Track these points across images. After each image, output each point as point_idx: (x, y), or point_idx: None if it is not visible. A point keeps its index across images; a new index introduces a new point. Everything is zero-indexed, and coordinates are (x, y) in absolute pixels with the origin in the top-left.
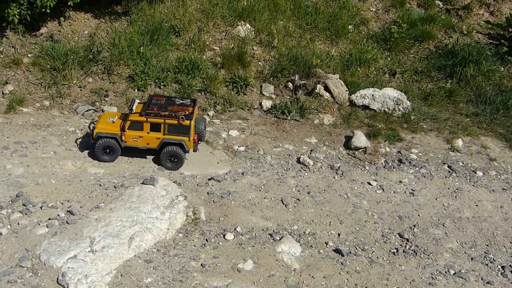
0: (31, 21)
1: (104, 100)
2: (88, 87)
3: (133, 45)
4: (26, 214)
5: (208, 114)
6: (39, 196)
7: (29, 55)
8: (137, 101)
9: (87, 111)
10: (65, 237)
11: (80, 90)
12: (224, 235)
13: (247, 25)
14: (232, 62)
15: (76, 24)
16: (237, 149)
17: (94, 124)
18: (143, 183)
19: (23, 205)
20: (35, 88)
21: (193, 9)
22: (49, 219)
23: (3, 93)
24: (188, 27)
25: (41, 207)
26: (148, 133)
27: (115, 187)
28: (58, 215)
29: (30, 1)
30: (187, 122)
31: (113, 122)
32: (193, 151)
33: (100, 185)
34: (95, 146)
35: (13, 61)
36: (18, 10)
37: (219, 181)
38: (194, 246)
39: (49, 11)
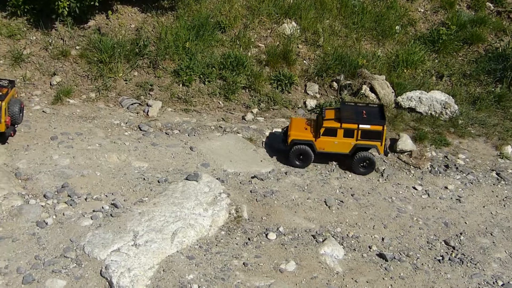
0: (80, 14)
1: (149, 94)
2: (134, 80)
3: (179, 40)
4: (71, 205)
5: (251, 112)
6: (84, 187)
7: (77, 47)
8: None
9: (132, 104)
10: (109, 229)
11: (126, 83)
12: (266, 235)
13: (293, 23)
14: (277, 60)
15: (123, 18)
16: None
17: None
18: (186, 179)
19: (68, 196)
20: (82, 80)
21: (239, 5)
22: (94, 211)
23: (51, 84)
24: (234, 24)
25: (85, 199)
26: None
27: (158, 182)
28: (103, 208)
29: None
30: None
31: None
32: (6, 135)
33: (144, 179)
34: None
35: (61, 53)
36: (67, 3)
37: (262, 180)
38: (236, 244)
39: (97, 4)
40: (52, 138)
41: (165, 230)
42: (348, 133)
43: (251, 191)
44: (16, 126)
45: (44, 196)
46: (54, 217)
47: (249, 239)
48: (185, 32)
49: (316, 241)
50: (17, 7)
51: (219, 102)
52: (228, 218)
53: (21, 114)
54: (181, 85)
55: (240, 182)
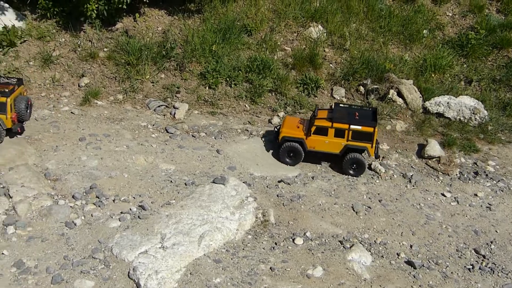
0: (108, 17)
1: (175, 96)
2: (160, 82)
3: (205, 43)
4: (99, 206)
5: (278, 115)
6: (112, 189)
7: (105, 49)
8: None
9: (158, 106)
10: (137, 231)
11: (153, 85)
12: (293, 240)
13: (319, 26)
14: (303, 63)
15: (150, 20)
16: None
17: None
18: (213, 182)
19: (97, 197)
20: (109, 81)
21: (265, 8)
22: (121, 212)
23: (79, 86)
24: (260, 27)
25: (113, 200)
26: None
27: (185, 185)
28: (130, 209)
29: None
30: (3, 99)
31: None
32: (13, 131)
33: (171, 181)
34: None
35: (89, 55)
36: (96, 5)
37: (289, 184)
38: (263, 248)
39: (125, 7)
40: (81, 139)
41: (192, 233)
42: (339, 133)
43: (277, 195)
44: (24, 123)
45: (73, 196)
46: (83, 218)
47: (276, 243)
48: (211, 35)
49: (343, 247)
50: (47, 10)
51: (245, 105)
52: (255, 222)
53: (28, 111)
54: (207, 87)
55: (267, 186)
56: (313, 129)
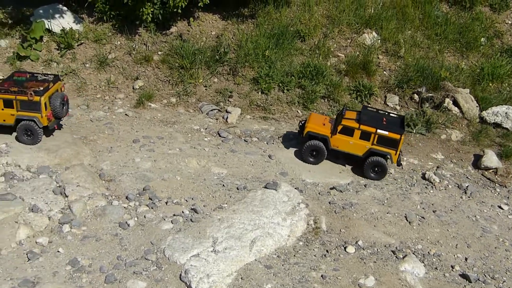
0: (163, 20)
1: (228, 100)
2: (213, 87)
3: (258, 48)
4: (152, 208)
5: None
6: (165, 191)
7: (159, 52)
8: None
9: (211, 110)
10: (189, 234)
11: (205, 89)
12: (345, 248)
13: (373, 33)
14: (357, 70)
15: (204, 25)
16: None
17: None
18: (265, 187)
19: (150, 199)
20: (163, 85)
21: (319, 14)
22: (174, 215)
23: (133, 88)
24: (314, 33)
25: (166, 203)
26: (2, 109)
27: (237, 189)
28: (183, 212)
29: (163, 0)
30: (36, 99)
31: None
32: (49, 128)
33: (223, 185)
34: None
35: (144, 58)
36: (151, 9)
37: (341, 192)
38: (315, 256)
39: (180, 11)
40: (134, 141)
41: (244, 238)
42: (365, 136)
43: (329, 203)
44: (61, 120)
45: (127, 197)
46: (136, 219)
47: (327, 251)
48: (265, 40)
49: (396, 257)
50: (104, 13)
51: (297, 111)
52: (306, 229)
53: (64, 108)
54: (260, 92)
55: (319, 193)
56: (339, 128)
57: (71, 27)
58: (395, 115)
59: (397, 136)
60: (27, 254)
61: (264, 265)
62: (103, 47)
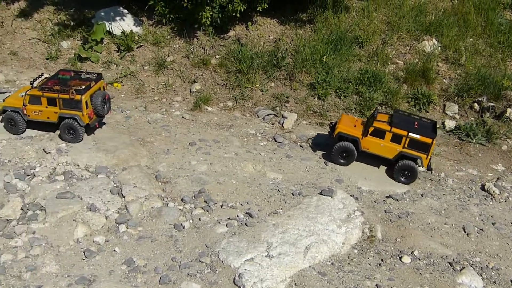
0: (221, 24)
1: (284, 105)
2: (270, 91)
3: (316, 53)
4: (207, 211)
5: None
6: (220, 194)
7: (217, 56)
8: (45, 75)
9: (267, 115)
10: (244, 238)
11: (262, 94)
12: (400, 257)
13: (434, 40)
14: (416, 77)
15: (262, 29)
16: None
17: None
18: (320, 194)
19: (205, 201)
20: (220, 88)
21: (378, 20)
22: (229, 218)
23: (190, 91)
24: (372, 39)
25: (221, 206)
26: (46, 107)
27: (292, 195)
28: (238, 216)
29: (222, 4)
30: (78, 97)
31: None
32: (91, 126)
33: (278, 190)
34: None
35: (202, 61)
36: (210, 13)
37: (397, 200)
38: (369, 264)
39: (238, 15)
40: (191, 143)
41: (298, 244)
42: (396, 139)
43: (385, 211)
44: (103, 118)
45: (182, 200)
46: (191, 221)
47: (382, 260)
48: (322, 45)
49: (453, 269)
50: (163, 16)
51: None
52: (361, 237)
53: (106, 106)
54: (316, 98)
55: (374, 201)
56: (370, 129)
57: (131, 30)
58: (427, 120)
59: (428, 140)
60: (84, 252)
61: (318, 272)
62: (161, 49)
